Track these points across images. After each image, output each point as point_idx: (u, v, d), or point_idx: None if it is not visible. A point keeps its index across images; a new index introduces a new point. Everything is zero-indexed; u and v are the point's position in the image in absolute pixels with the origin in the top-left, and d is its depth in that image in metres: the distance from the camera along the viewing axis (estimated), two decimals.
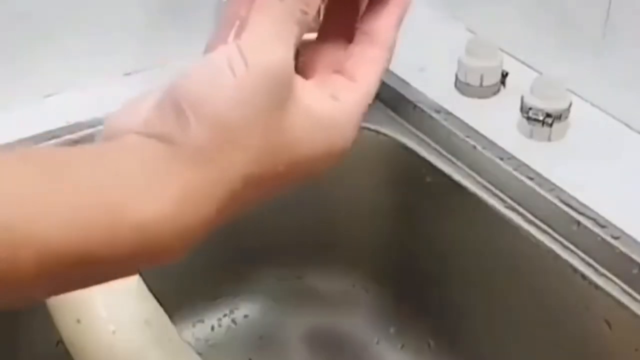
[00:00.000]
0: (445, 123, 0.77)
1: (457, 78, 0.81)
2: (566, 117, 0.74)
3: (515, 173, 0.72)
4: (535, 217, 0.71)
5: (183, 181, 0.36)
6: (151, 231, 0.36)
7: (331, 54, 0.42)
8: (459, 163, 0.76)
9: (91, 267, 0.35)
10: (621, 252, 0.65)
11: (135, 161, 0.36)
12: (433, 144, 0.78)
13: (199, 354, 0.75)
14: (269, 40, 0.37)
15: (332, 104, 0.40)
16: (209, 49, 0.39)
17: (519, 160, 0.73)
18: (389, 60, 0.42)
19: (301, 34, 0.38)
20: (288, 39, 0.38)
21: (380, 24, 0.42)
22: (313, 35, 0.43)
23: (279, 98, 0.37)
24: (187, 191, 0.36)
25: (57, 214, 0.34)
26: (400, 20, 0.43)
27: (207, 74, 0.37)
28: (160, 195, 0.36)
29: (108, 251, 0.35)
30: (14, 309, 0.36)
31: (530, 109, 0.74)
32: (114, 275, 0.38)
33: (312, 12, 0.39)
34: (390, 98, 0.82)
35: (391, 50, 0.42)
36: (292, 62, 0.38)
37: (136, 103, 0.39)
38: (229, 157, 0.37)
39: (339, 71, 0.41)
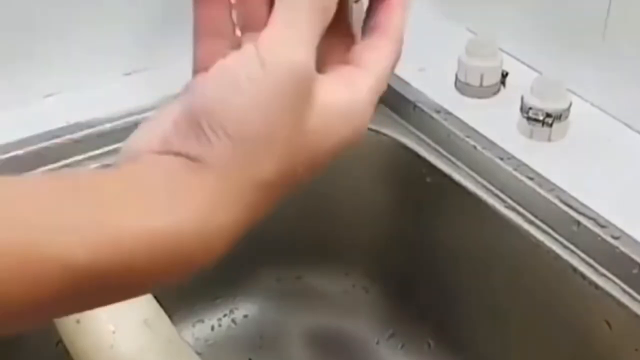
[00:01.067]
0: (445, 123, 0.77)
1: (457, 78, 0.81)
2: (566, 117, 0.74)
3: (515, 173, 0.72)
4: (535, 217, 0.71)
5: (206, 194, 0.36)
6: (176, 244, 0.35)
7: (340, 48, 0.42)
8: (459, 163, 0.76)
9: (114, 283, 0.35)
10: (621, 252, 0.65)
11: (157, 177, 0.36)
12: (433, 144, 0.78)
13: (199, 354, 0.75)
14: (291, 40, 0.36)
15: (348, 93, 0.39)
16: (200, 63, 0.39)
17: (519, 160, 0.73)
18: (398, 52, 0.42)
19: (322, 31, 0.38)
20: (311, 37, 0.37)
21: (386, 17, 0.42)
22: None
23: (300, 100, 0.37)
24: (210, 204, 0.36)
25: (83, 230, 0.33)
26: (404, 11, 0.43)
27: (223, 85, 0.36)
28: (185, 208, 0.35)
29: (126, 268, 0.34)
30: (26, 331, 0.36)
31: (530, 109, 0.74)
32: (135, 292, 0.38)
33: (333, 8, 0.38)
34: (390, 98, 0.82)
35: (399, 42, 0.42)
36: (313, 62, 0.37)
37: (151, 123, 0.39)
38: (252, 167, 0.36)
39: (348, 62, 0.41)
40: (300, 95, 0.37)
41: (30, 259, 0.32)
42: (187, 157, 0.36)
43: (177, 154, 0.36)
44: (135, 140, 0.38)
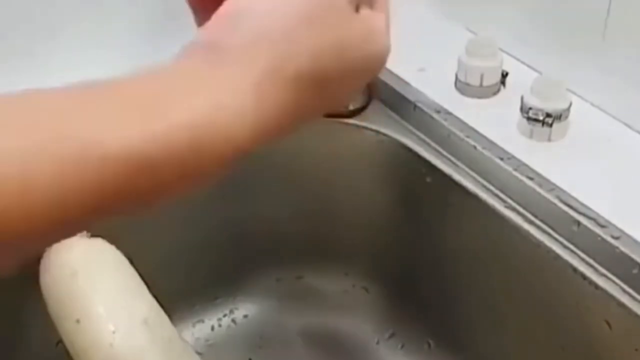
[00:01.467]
0: (445, 123, 0.77)
1: (457, 78, 0.81)
2: (566, 117, 0.74)
3: (515, 173, 0.72)
4: (535, 217, 0.71)
5: (220, 81, 0.37)
6: (202, 132, 0.36)
7: None
8: (459, 163, 0.76)
9: (151, 176, 0.35)
10: (621, 252, 0.65)
11: (182, 68, 0.38)
12: (433, 144, 0.78)
13: (199, 354, 0.75)
14: None
15: (374, 15, 0.42)
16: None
17: (519, 160, 0.73)
18: None
19: None
20: None
21: None
22: None
23: (340, 11, 0.39)
24: (224, 91, 0.37)
25: (113, 121, 0.34)
26: None
27: None
28: (197, 98, 0.36)
29: (165, 155, 0.35)
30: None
31: (530, 109, 0.74)
32: (171, 189, 0.37)
33: None
34: (390, 98, 0.82)
35: None
36: None
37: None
38: (275, 59, 0.38)
39: None
40: (345, 8, 0.39)
41: (78, 155, 0.33)
42: (211, 43, 0.38)
43: (204, 43, 0.38)
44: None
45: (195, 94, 0.36)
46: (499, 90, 0.81)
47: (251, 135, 0.37)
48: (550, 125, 0.74)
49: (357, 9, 0.41)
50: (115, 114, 0.35)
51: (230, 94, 0.37)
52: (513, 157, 0.73)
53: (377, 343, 0.88)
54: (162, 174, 0.35)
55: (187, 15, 0.43)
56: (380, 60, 0.42)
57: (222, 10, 0.39)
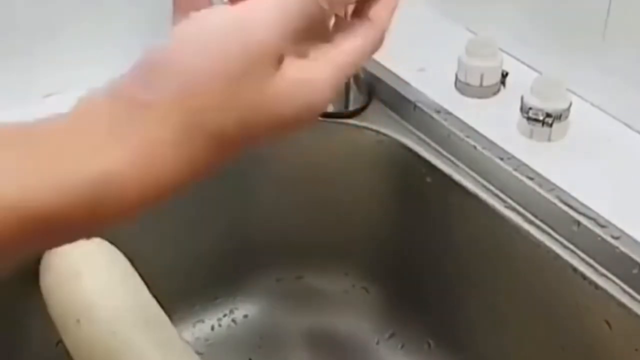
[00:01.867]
0: (445, 123, 0.77)
1: (457, 78, 0.81)
2: (566, 117, 0.74)
3: (515, 173, 0.72)
4: (535, 217, 0.71)
5: (145, 138, 0.37)
6: (106, 186, 0.36)
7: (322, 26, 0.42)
8: (459, 163, 0.76)
9: (57, 225, 0.36)
10: (621, 252, 0.65)
11: (100, 121, 0.37)
12: (433, 144, 0.78)
13: (199, 354, 0.75)
14: (268, 15, 0.38)
15: (310, 65, 0.40)
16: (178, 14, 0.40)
17: (519, 160, 0.73)
18: (378, 41, 0.42)
19: (306, 22, 0.39)
20: (288, 21, 0.38)
21: (378, 6, 0.43)
22: None
23: (261, 67, 0.38)
24: (148, 146, 0.37)
25: (23, 177, 0.35)
26: (395, 6, 0.43)
27: (182, 40, 0.38)
28: (121, 149, 0.36)
29: (67, 209, 0.36)
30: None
31: (530, 109, 0.74)
32: (79, 235, 0.39)
33: (330, 12, 0.40)
34: (390, 98, 0.82)
35: (382, 31, 0.42)
36: (281, 45, 0.38)
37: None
38: (195, 116, 0.37)
39: (322, 39, 0.42)
40: (258, 65, 0.38)
41: None
42: (132, 95, 0.37)
43: (123, 95, 0.38)
44: (89, 92, 0.39)
45: (98, 150, 0.36)
46: (499, 90, 0.81)
47: (156, 191, 0.38)
48: (550, 125, 0.74)
49: (280, 62, 0.39)
50: (15, 164, 0.36)
51: (137, 151, 0.37)
52: (513, 157, 0.73)
53: (377, 343, 0.88)
54: (58, 225, 0.36)
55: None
56: (313, 111, 0.41)
57: (140, 61, 0.38)
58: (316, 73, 0.40)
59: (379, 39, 0.42)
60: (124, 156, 0.36)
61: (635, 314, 0.64)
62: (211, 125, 0.38)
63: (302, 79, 0.39)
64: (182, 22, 0.38)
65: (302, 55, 0.40)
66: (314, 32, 0.40)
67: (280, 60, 0.39)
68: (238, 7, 0.38)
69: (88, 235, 0.39)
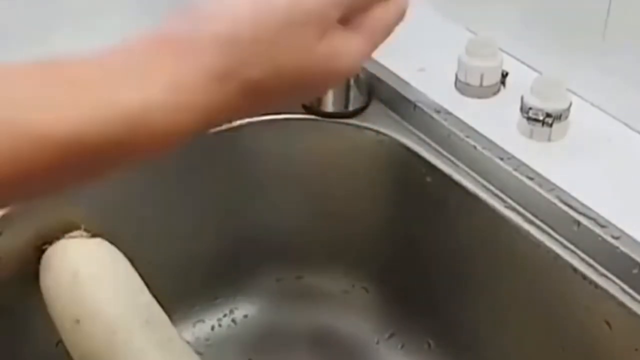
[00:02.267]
0: (445, 123, 0.77)
1: (457, 78, 0.81)
2: (566, 117, 0.74)
3: (515, 173, 0.72)
4: (535, 217, 0.71)
5: (178, 72, 0.38)
6: (140, 119, 0.37)
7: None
8: (459, 163, 0.76)
9: (87, 156, 0.37)
10: (621, 252, 0.65)
11: (130, 54, 0.38)
12: (433, 144, 0.78)
13: (199, 353, 0.75)
14: None
15: (348, 37, 0.42)
16: None
17: (519, 160, 0.73)
18: (402, 12, 0.46)
19: None
20: None
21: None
22: None
23: (304, 30, 0.40)
24: (177, 81, 0.38)
25: (59, 106, 0.36)
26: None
27: None
28: (151, 84, 0.37)
29: (102, 139, 0.37)
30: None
31: (530, 109, 0.74)
32: (116, 165, 0.39)
33: None
34: (390, 98, 0.82)
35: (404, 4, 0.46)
36: (331, 12, 0.40)
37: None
38: (231, 60, 0.38)
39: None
40: (308, 30, 0.40)
41: (13, 134, 0.35)
42: (173, 36, 0.38)
43: (166, 33, 0.39)
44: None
45: (140, 82, 0.37)
46: (499, 90, 0.81)
47: (187, 127, 0.39)
48: (550, 125, 0.74)
49: (325, 29, 0.41)
50: (56, 95, 0.36)
51: (174, 87, 0.38)
52: (513, 157, 0.73)
53: (377, 343, 0.88)
54: (98, 155, 0.37)
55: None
56: (339, 79, 0.43)
57: (186, 7, 0.40)
58: (352, 45, 0.42)
59: (403, 10, 0.46)
60: (155, 93, 0.37)
61: (635, 314, 0.64)
62: (246, 73, 0.39)
63: (340, 52, 0.41)
64: None
65: (344, 20, 0.42)
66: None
67: (324, 28, 0.40)
68: None
69: (118, 168, 0.40)
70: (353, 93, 0.81)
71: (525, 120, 0.75)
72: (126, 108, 0.37)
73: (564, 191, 0.70)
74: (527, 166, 0.72)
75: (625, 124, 0.77)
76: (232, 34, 0.38)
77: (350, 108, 0.82)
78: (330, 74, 0.42)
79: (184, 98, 0.38)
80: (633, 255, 0.65)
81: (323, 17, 0.40)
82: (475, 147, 0.75)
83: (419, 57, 0.84)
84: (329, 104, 0.81)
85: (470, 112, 0.78)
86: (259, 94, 0.40)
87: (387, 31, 0.45)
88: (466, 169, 0.76)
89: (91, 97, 0.37)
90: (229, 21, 0.39)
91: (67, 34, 0.80)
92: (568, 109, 0.74)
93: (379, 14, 0.44)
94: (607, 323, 0.67)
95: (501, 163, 0.73)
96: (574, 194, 0.69)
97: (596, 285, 0.66)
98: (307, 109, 0.81)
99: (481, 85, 0.79)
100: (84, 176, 0.39)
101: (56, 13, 0.79)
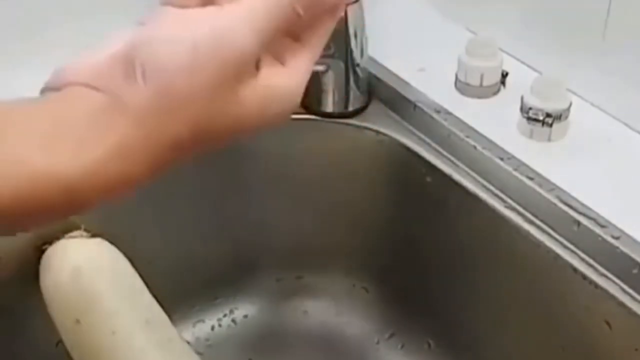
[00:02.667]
0: (445, 123, 0.77)
1: (457, 78, 0.81)
2: (566, 117, 0.74)
3: (515, 173, 0.72)
4: (535, 217, 0.71)
5: (117, 139, 0.37)
6: (75, 185, 0.37)
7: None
8: (459, 163, 0.76)
9: (17, 217, 0.37)
10: (621, 252, 0.65)
11: (76, 113, 0.38)
12: (433, 144, 0.78)
13: (199, 354, 0.75)
14: (245, 24, 0.38)
15: (282, 71, 0.41)
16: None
17: (519, 160, 0.73)
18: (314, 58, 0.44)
19: (279, 27, 0.39)
20: (265, 28, 0.39)
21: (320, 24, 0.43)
22: None
23: (235, 76, 0.38)
24: (121, 146, 0.37)
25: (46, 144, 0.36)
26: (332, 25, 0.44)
27: (168, 41, 0.38)
28: (99, 147, 0.37)
29: (32, 204, 0.37)
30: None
31: (530, 109, 0.74)
32: (43, 221, 0.40)
33: (305, 16, 0.40)
34: (390, 98, 0.82)
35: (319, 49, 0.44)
36: (257, 52, 0.39)
37: (88, 56, 0.40)
38: (167, 123, 0.38)
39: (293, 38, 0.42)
40: (233, 72, 0.38)
41: None
42: (111, 95, 0.38)
43: (103, 90, 0.38)
44: (68, 69, 0.40)
45: (78, 145, 0.37)
46: (499, 90, 0.81)
47: (127, 189, 0.39)
48: (550, 125, 0.74)
49: (257, 66, 0.40)
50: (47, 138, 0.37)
51: (117, 151, 0.38)
52: (513, 157, 0.73)
53: (377, 343, 0.88)
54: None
55: None
56: (284, 116, 0.42)
57: (126, 48, 0.38)
58: (290, 78, 0.41)
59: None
60: (101, 154, 0.37)
61: (635, 314, 0.64)
62: (173, 133, 0.38)
63: (276, 86, 0.40)
64: (167, 17, 0.39)
65: (276, 54, 0.41)
66: (287, 32, 0.41)
67: (257, 65, 0.39)
68: (215, 12, 0.38)
69: (45, 222, 0.41)
70: (353, 93, 0.81)
71: (525, 120, 0.75)
72: (69, 172, 0.37)
73: (564, 191, 0.70)
74: (527, 166, 0.72)
75: (625, 124, 0.77)
76: (168, 92, 0.37)
77: (350, 108, 0.82)
78: (268, 114, 0.40)
79: (124, 161, 0.38)
80: (633, 255, 0.65)
81: (253, 59, 0.39)
82: (475, 147, 0.75)
83: (419, 57, 0.84)
84: (329, 104, 0.81)
85: (470, 112, 0.78)
86: (189, 148, 0.39)
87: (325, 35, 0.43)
88: (466, 169, 0.76)
89: (24, 158, 0.37)
90: (167, 77, 0.37)
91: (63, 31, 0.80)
92: (568, 109, 0.74)
93: (314, 41, 0.42)
94: (607, 323, 0.67)
95: (501, 163, 0.73)
96: (574, 194, 0.69)
97: (596, 285, 0.66)
98: (307, 109, 0.81)
99: (481, 85, 0.79)
100: (25, 224, 0.40)
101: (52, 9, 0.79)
